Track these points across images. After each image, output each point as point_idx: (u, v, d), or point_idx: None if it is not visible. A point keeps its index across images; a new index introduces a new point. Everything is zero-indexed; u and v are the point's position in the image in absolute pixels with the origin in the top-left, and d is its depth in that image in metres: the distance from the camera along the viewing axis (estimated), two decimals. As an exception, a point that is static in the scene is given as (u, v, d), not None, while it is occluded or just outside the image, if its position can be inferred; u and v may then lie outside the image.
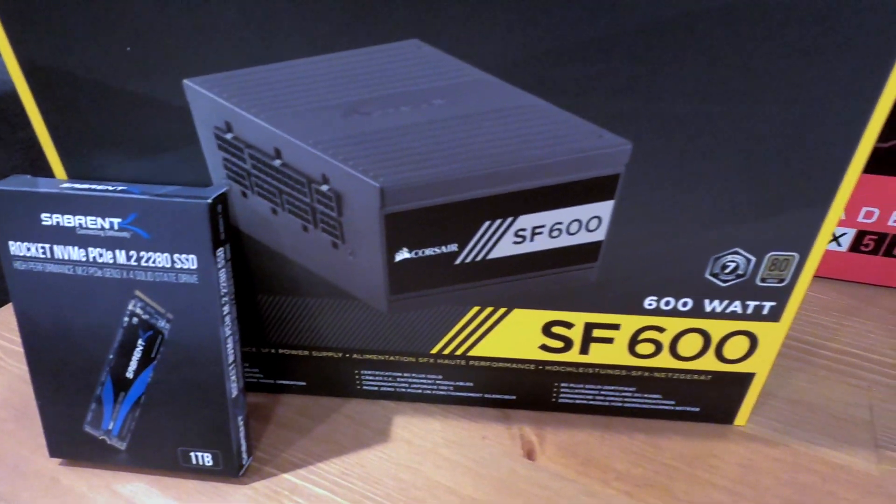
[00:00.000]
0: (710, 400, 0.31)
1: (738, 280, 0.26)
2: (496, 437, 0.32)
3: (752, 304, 0.27)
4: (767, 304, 0.27)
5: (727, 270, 0.26)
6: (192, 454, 0.28)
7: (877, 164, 0.37)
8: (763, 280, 0.26)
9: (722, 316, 0.28)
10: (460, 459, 0.30)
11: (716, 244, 0.25)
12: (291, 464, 0.30)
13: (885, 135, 0.36)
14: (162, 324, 0.26)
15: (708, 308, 0.27)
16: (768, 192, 0.24)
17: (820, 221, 0.24)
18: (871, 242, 0.41)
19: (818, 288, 0.43)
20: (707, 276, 0.26)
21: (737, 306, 0.27)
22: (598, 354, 0.30)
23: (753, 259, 0.26)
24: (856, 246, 0.41)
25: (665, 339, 0.29)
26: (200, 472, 0.29)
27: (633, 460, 0.30)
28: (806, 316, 0.40)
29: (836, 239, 0.41)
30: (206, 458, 0.28)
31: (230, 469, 0.29)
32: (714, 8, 0.20)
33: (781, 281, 0.26)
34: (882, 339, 0.38)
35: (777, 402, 0.34)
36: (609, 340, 0.29)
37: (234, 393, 0.28)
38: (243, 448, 0.29)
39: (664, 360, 0.30)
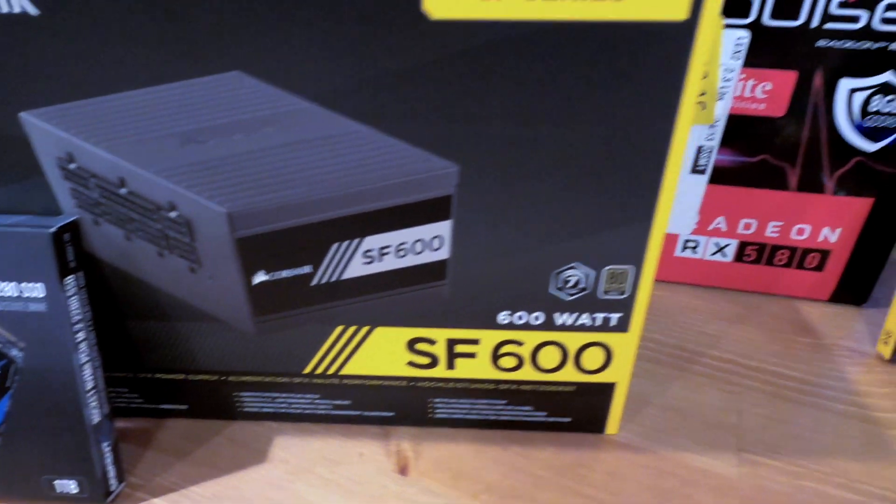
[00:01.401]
0: (579, 410, 0.32)
1: (581, 294, 0.28)
2: (373, 453, 0.32)
3: (599, 316, 0.28)
4: (614, 316, 0.28)
5: (569, 284, 0.27)
6: (56, 482, 0.28)
7: (749, 178, 0.39)
8: (605, 293, 0.28)
9: (573, 329, 0.29)
10: (334, 477, 0.31)
11: (555, 260, 0.27)
12: (165, 488, 0.30)
13: (754, 150, 0.38)
14: (14, 352, 0.26)
15: (559, 321, 0.29)
16: (596, 209, 0.25)
17: (646, 235, 0.26)
18: (752, 252, 0.42)
19: (707, 297, 0.44)
20: (552, 290, 0.27)
21: (585, 319, 0.28)
22: (465, 369, 0.31)
23: (592, 273, 0.27)
24: (739, 256, 0.43)
25: (525, 352, 0.30)
26: (66, 500, 0.29)
27: (503, 472, 0.31)
28: (693, 325, 0.41)
29: (720, 250, 0.43)
30: (71, 486, 0.28)
31: (96, 496, 0.29)
32: (515, 37, 0.21)
33: (622, 293, 0.27)
34: (761, 345, 0.40)
35: (651, 410, 0.35)
36: (472, 355, 0.30)
37: (96, 419, 0.28)
38: (111, 474, 0.29)
39: (528, 373, 0.31)
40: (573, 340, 0.29)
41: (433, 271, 0.27)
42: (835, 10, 0.33)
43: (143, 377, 0.32)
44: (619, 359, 0.30)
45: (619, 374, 0.30)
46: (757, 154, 0.38)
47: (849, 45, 0.34)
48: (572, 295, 0.28)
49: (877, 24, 0.33)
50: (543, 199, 0.25)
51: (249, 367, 0.31)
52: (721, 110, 0.37)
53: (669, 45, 0.21)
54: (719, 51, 0.35)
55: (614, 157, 0.24)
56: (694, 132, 0.38)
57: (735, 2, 0.34)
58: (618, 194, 0.25)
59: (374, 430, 0.34)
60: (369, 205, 0.25)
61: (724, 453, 0.32)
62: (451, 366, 0.31)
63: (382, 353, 0.30)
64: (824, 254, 0.41)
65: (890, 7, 0.33)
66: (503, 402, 0.32)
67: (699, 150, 0.39)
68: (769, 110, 0.37)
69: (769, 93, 0.36)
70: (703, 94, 0.37)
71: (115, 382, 0.32)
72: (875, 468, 0.31)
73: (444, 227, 0.26)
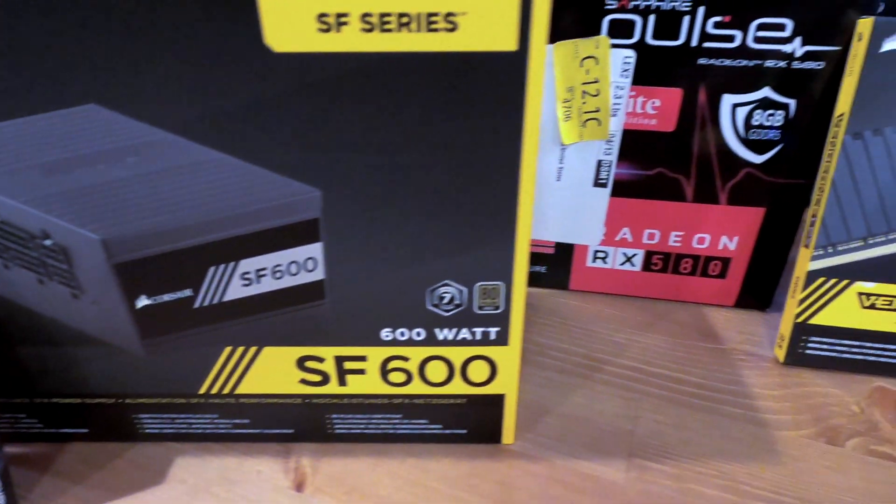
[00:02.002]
0: (473, 421, 0.33)
1: (458, 309, 0.28)
2: (271, 471, 0.33)
3: (478, 330, 0.29)
4: (492, 330, 0.29)
5: (445, 301, 0.28)
6: (-58, 511, 0.29)
7: (648, 191, 0.41)
8: (480, 308, 0.28)
9: (456, 343, 0.30)
10: (229, 496, 0.31)
11: (428, 278, 0.27)
12: (59, 513, 0.31)
13: (650, 164, 0.40)
14: None
15: (440, 336, 0.29)
16: (459, 230, 0.26)
17: (511, 254, 0.27)
18: (659, 262, 0.44)
19: (619, 305, 0.45)
20: (429, 307, 0.28)
21: (465, 333, 0.29)
22: (356, 385, 0.31)
23: (465, 289, 0.28)
24: (647, 265, 0.44)
25: (412, 367, 0.30)
26: (-46, 529, 0.29)
27: (398, 485, 0.32)
28: (602, 334, 0.43)
29: (629, 259, 0.44)
30: (-42, 514, 0.29)
31: (-16, 523, 0.29)
32: (358, 69, 0.22)
33: (497, 308, 0.28)
34: (665, 352, 0.41)
35: (550, 419, 0.36)
36: (361, 371, 0.31)
37: (-19, 446, 0.28)
38: (1, 500, 0.29)
39: (418, 387, 0.31)
40: (457, 354, 0.30)
41: (311, 291, 0.28)
42: (711, 29, 0.35)
43: (41, 402, 0.32)
44: (503, 371, 0.31)
45: (506, 386, 0.31)
46: (653, 167, 0.40)
47: (727, 62, 0.36)
48: (449, 311, 0.28)
49: (751, 43, 0.35)
50: (409, 222, 0.26)
51: (146, 390, 0.32)
52: (615, 126, 0.39)
53: (504, 74, 0.22)
54: (608, 69, 0.37)
55: (469, 181, 0.25)
56: (592, 147, 0.40)
57: (620, 22, 0.35)
58: (477, 216, 0.25)
59: (275, 448, 0.34)
60: (239, 229, 0.26)
61: (614, 460, 0.33)
62: (342, 382, 0.31)
63: (273, 372, 0.31)
64: (725, 261, 0.43)
65: (761, 27, 0.34)
66: (398, 416, 0.33)
67: (599, 164, 0.40)
68: (660, 125, 0.38)
69: (658, 109, 0.38)
70: (597, 110, 0.38)
71: (12, 408, 0.33)
72: (757, 469, 0.33)
73: (315, 249, 0.26)
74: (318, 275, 0.27)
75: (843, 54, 0.35)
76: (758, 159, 0.38)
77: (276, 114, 0.23)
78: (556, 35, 0.36)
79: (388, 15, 0.21)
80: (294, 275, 0.27)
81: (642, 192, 0.41)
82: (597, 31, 0.36)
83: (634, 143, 0.39)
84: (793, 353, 0.39)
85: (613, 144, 0.39)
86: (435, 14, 0.21)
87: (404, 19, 0.21)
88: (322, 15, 0.21)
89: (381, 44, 0.21)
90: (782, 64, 0.35)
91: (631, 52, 0.36)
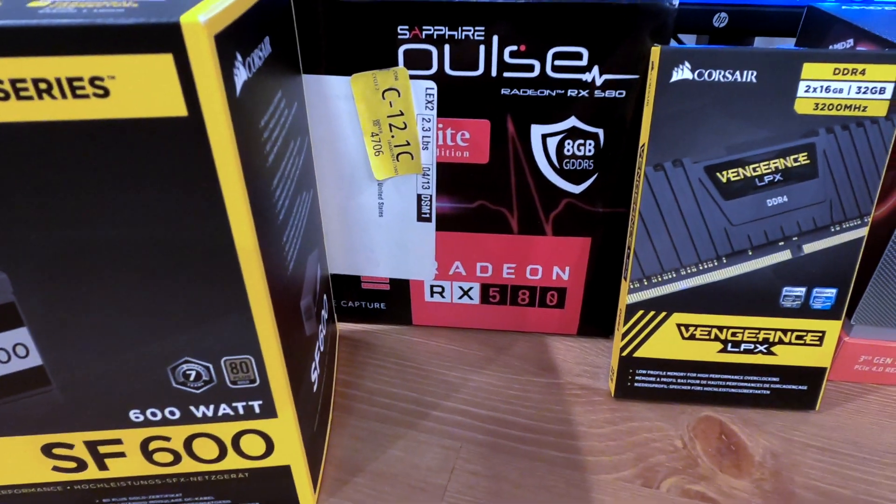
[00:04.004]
0: (263, 494, 0.30)
1: (208, 386, 0.26)
2: (33, 567, 0.29)
3: (238, 405, 0.27)
4: (254, 404, 0.27)
5: (191, 378, 0.25)
6: None
7: (473, 224, 0.39)
8: (234, 383, 0.26)
9: (218, 419, 0.27)
10: None
11: (165, 355, 0.25)
12: None
13: (470, 197, 0.38)
14: None
15: (198, 414, 0.27)
16: (187, 304, 0.23)
17: (251, 326, 0.24)
18: (496, 294, 0.42)
19: (461, 340, 0.43)
20: (176, 385, 0.26)
21: (225, 409, 0.27)
22: (120, 468, 0.28)
23: (210, 365, 0.25)
24: (485, 298, 0.42)
25: (176, 446, 0.28)
26: None
27: (176, 572, 0.29)
28: (437, 373, 0.41)
29: (466, 293, 0.42)
30: None
31: None
32: (9, 140, 0.19)
33: (253, 381, 0.26)
34: (499, 390, 0.39)
35: (361, 479, 0.33)
36: (121, 454, 0.28)
37: None
38: None
39: (190, 465, 0.28)
40: (224, 430, 0.27)
41: (33, 378, 0.25)
42: (509, 59, 0.33)
43: None
44: (281, 443, 0.28)
45: (289, 457, 0.29)
46: (474, 200, 0.38)
47: (530, 92, 0.34)
48: (199, 388, 0.26)
49: (550, 72, 0.33)
50: (129, 298, 0.23)
51: None
52: (428, 159, 0.37)
53: (181, 140, 0.19)
54: (411, 101, 0.35)
55: (183, 254, 0.22)
56: (409, 181, 0.37)
57: (416, 53, 0.33)
58: (202, 290, 0.23)
59: (49, 537, 0.31)
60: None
61: (419, 522, 0.31)
62: (102, 467, 0.28)
63: (17, 461, 0.27)
64: (561, 291, 0.41)
65: (557, 56, 0.33)
66: (179, 494, 0.30)
67: (419, 198, 0.38)
68: (473, 157, 0.36)
69: (469, 141, 0.36)
70: (407, 143, 0.36)
71: None
72: (568, 521, 0.31)
73: (21, 335, 0.23)
74: (34, 360, 0.24)
75: (643, 83, 0.33)
76: (576, 189, 0.37)
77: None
78: (353, 66, 0.34)
79: (22, 81, 0.18)
80: (6, 363, 0.24)
81: (468, 226, 0.39)
82: (394, 62, 0.34)
83: (452, 176, 0.37)
84: (622, 387, 0.38)
85: (430, 178, 0.37)
86: (78, 79, 0.18)
87: (42, 85, 0.18)
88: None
89: (22, 113, 0.18)
90: (584, 93, 0.34)
91: (432, 84, 0.34)
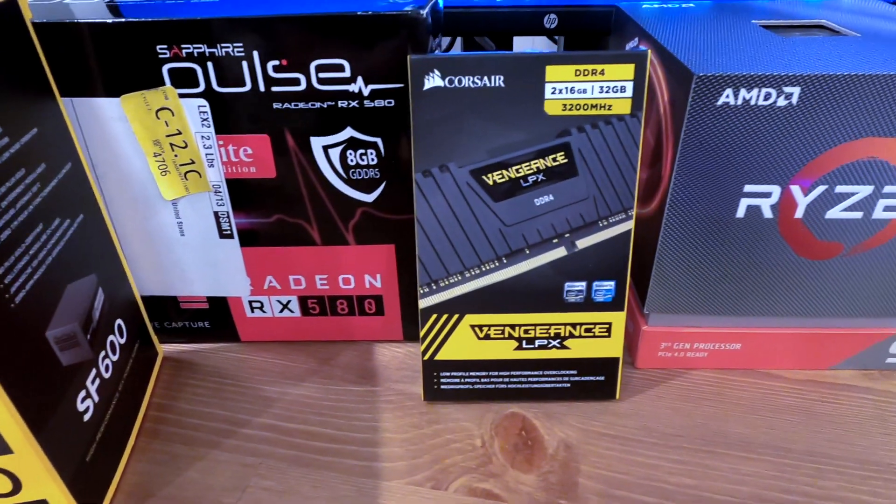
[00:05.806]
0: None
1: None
2: None
3: (-36, 444, 0.26)
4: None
5: None
6: None
7: (276, 238, 0.39)
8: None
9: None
10: None
11: None
12: None
13: (266, 212, 0.38)
14: None
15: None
16: None
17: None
18: (315, 306, 0.42)
19: (288, 353, 0.43)
20: None
21: (-48, 449, 0.26)
22: None
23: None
24: (305, 310, 0.42)
25: (-89, 490, 0.27)
26: None
27: None
28: (256, 390, 0.40)
29: (286, 306, 0.42)
30: None
31: None
32: None
33: (-28, 420, 0.25)
34: (313, 402, 0.39)
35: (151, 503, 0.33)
36: None
37: None
38: None
39: (-65, 509, 0.28)
40: (-40, 470, 0.27)
41: None
42: (273, 73, 0.33)
43: None
44: (28, 478, 0.28)
45: (43, 492, 0.28)
46: (271, 215, 0.38)
47: (301, 105, 0.34)
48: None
49: (317, 85, 0.33)
50: None
51: None
52: (216, 176, 0.36)
53: None
54: (185, 119, 0.34)
55: None
56: (202, 199, 0.37)
57: (181, 71, 0.33)
58: None
59: None
60: None
61: (198, 545, 0.31)
62: None
63: None
64: (377, 298, 0.41)
65: (320, 68, 0.33)
66: (-66, 539, 0.29)
67: (217, 215, 0.38)
68: (260, 172, 0.36)
69: (253, 156, 0.36)
70: (192, 162, 0.36)
71: None
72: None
73: None
74: None
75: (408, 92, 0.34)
76: (368, 198, 0.37)
77: None
78: (121, 87, 0.33)
79: None
80: None
81: (272, 240, 0.39)
82: (161, 81, 0.33)
83: (244, 192, 0.37)
84: (430, 390, 0.38)
85: (223, 195, 0.37)
86: None
87: None
88: None
89: None
90: (355, 104, 0.34)
91: (203, 101, 0.34)
